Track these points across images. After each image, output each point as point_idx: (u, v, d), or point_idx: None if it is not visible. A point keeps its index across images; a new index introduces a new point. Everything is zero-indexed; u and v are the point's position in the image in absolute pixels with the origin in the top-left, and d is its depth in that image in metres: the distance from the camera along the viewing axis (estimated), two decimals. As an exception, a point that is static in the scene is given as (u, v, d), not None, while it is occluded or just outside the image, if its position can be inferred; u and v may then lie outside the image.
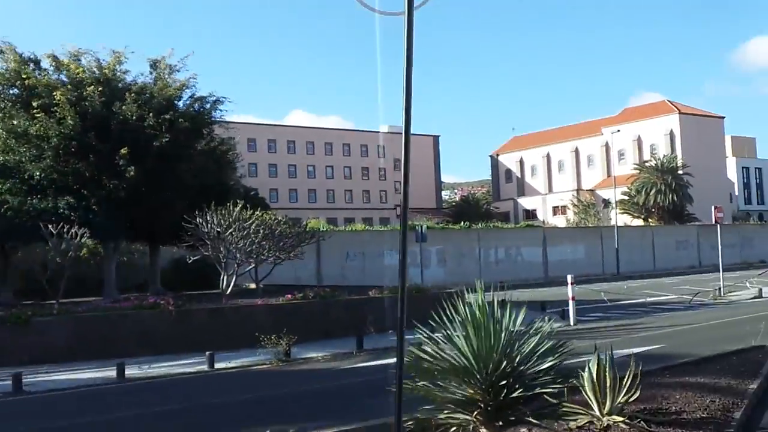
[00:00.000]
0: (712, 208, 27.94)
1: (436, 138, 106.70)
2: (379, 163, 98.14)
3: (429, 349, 7.18)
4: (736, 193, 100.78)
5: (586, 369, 7.88)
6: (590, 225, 69.17)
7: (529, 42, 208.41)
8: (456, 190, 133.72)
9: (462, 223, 55.24)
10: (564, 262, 46.74)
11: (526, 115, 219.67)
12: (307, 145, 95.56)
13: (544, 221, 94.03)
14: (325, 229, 42.42)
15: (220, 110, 28.39)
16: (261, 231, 22.21)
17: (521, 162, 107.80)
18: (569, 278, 22.58)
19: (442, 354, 7.11)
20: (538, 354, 7.01)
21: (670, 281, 41.95)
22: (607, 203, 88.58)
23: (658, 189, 74.23)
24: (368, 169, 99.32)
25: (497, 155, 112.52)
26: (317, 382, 14.62)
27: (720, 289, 29.87)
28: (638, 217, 76.98)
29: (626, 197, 77.93)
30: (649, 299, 30.39)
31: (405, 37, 4.43)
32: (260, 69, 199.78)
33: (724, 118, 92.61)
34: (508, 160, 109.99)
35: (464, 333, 7.05)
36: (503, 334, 6.96)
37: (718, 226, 30.21)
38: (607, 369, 7.76)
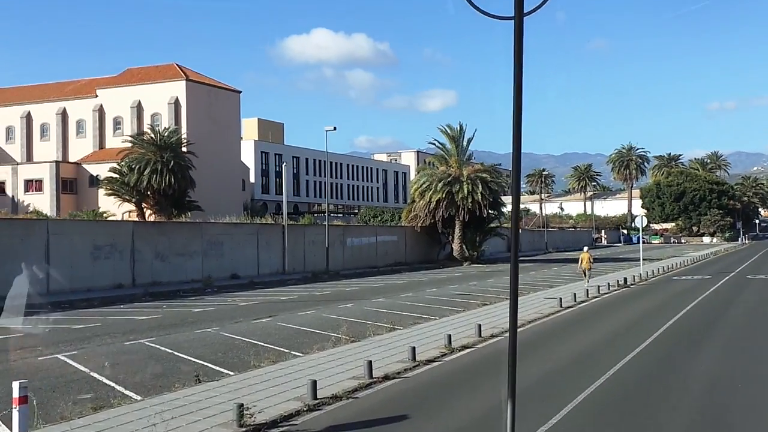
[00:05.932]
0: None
1: None
2: None
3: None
4: (252, 180, 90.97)
5: None
6: None
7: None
8: None
9: None
10: None
11: (7, 67, 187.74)
12: None
13: (14, 198, 72.74)
14: None
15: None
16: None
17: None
18: None
19: None
20: None
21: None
22: (95, 180, 70.81)
23: (153, 168, 59.09)
24: None
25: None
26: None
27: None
28: (129, 201, 61.16)
29: (116, 175, 61.47)
30: None
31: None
32: None
33: (240, 92, 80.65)
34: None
35: None
36: None
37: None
38: None
